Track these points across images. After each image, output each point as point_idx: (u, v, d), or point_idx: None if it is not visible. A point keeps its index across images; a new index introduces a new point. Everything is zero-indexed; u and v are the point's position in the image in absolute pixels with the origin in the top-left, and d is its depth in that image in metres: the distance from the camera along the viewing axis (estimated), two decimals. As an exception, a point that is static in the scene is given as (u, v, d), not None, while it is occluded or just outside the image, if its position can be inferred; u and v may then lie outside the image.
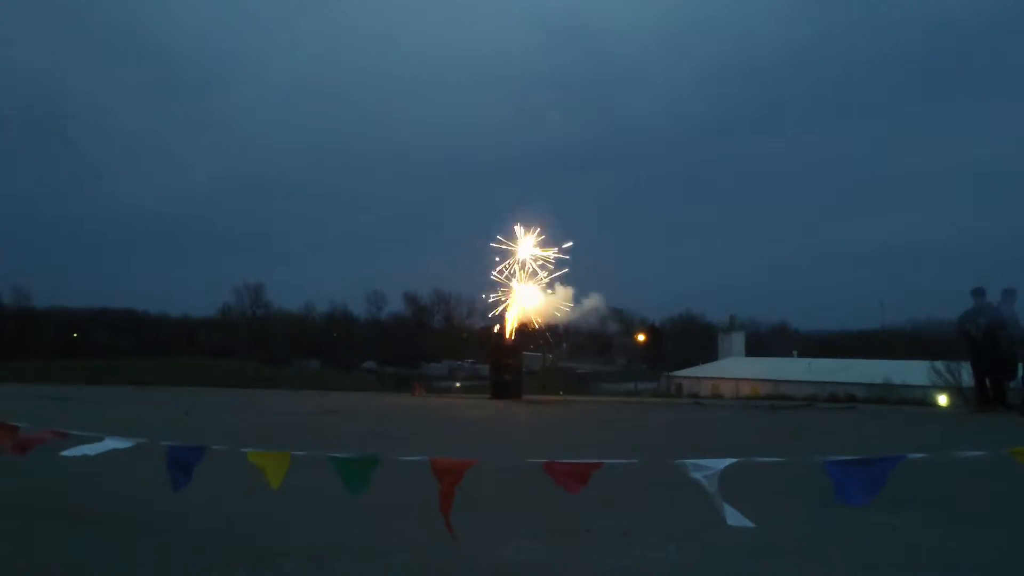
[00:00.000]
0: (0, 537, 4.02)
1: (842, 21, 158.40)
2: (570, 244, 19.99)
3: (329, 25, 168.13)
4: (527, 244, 19.83)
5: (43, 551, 3.76)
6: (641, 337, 70.47)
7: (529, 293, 20.09)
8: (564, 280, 20.03)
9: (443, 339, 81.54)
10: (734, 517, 2.44)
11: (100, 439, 3.47)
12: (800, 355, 59.70)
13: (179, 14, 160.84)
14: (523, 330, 20.27)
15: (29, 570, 3.45)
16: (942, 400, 19.75)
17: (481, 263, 20.27)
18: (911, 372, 32.42)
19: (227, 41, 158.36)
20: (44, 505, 4.22)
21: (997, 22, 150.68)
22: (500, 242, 19.93)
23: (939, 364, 20.02)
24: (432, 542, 3.80)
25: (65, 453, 3.32)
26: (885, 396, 24.91)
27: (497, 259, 20.00)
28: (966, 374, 14.80)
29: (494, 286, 20.09)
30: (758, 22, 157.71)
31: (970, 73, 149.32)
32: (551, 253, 19.84)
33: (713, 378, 51.67)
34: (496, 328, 20.24)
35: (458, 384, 42.29)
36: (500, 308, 20.09)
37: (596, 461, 2.65)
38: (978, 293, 13.26)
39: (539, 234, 19.85)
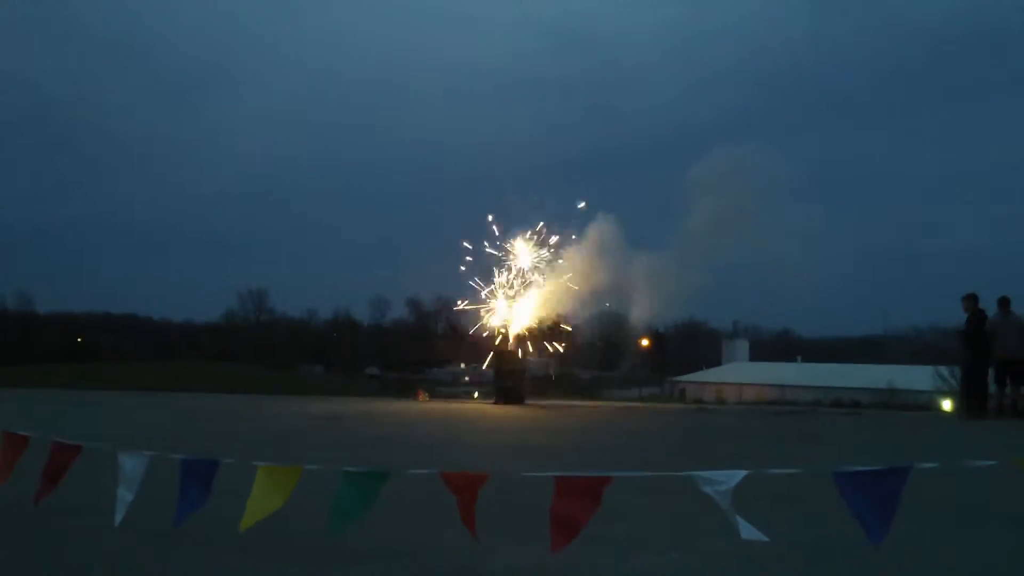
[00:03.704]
0: (0, 539, 4.05)
1: (843, 28, 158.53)
2: (583, 205, 19.82)
3: (332, 33, 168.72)
4: (524, 253, 19.82)
5: (40, 552, 3.78)
6: (645, 342, 70.36)
7: (529, 298, 20.10)
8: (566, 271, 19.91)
9: (446, 344, 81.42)
10: (748, 531, 2.43)
11: (110, 451, 3.49)
12: (804, 360, 59.65)
13: (182, 21, 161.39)
14: (527, 335, 20.28)
15: (28, 571, 3.47)
16: (946, 405, 19.72)
17: (481, 268, 20.33)
18: (915, 377, 32.36)
19: (230, 49, 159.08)
20: (42, 504, 4.24)
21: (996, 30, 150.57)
22: (498, 249, 19.94)
23: (943, 369, 20.05)
24: (435, 548, 3.82)
25: (117, 521, 3.29)
26: (889, 401, 24.84)
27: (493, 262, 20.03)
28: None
29: (492, 291, 20.12)
30: (760, 29, 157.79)
31: (975, 80, 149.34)
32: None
33: (717, 383, 51.60)
34: (499, 333, 20.26)
35: (471, 389, 42.22)
36: (498, 314, 20.11)
37: (605, 474, 2.66)
38: (970, 299, 13.44)
39: (534, 235, 19.79)
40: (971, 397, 13.27)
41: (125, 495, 3.23)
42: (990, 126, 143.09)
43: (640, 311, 21.40)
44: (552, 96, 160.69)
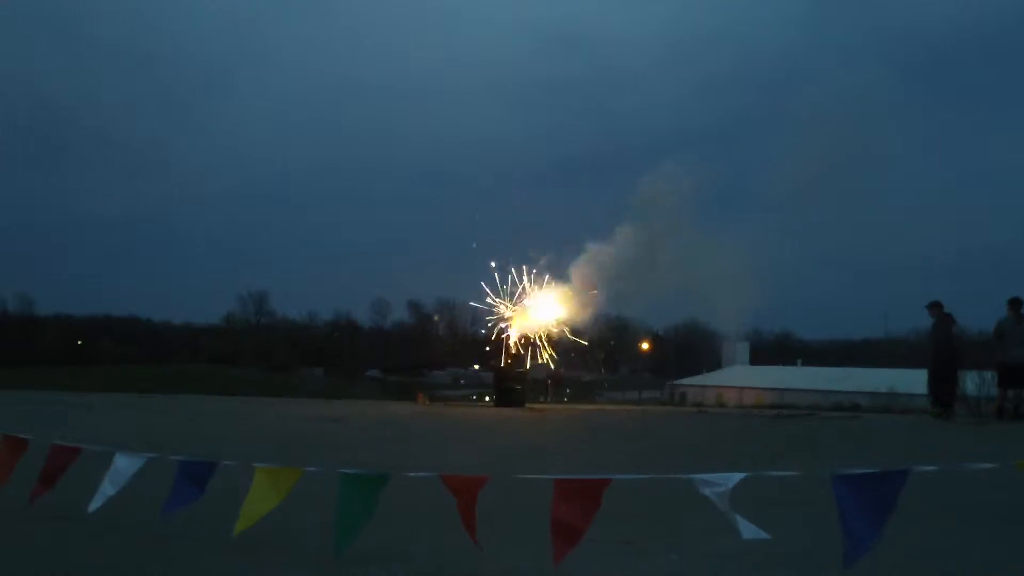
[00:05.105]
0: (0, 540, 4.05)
1: (843, 31, 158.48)
2: (595, 292, 19.95)
3: (330, 35, 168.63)
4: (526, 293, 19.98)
5: (39, 555, 3.78)
6: (645, 346, 70.26)
7: (532, 306, 20.17)
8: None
9: (447, 347, 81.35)
10: (748, 530, 2.42)
11: (109, 453, 3.49)
12: (804, 364, 59.54)
13: (181, 23, 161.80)
14: (527, 340, 20.32)
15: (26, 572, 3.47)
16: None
17: (484, 271, 20.41)
18: (915, 381, 32.41)
19: (229, 50, 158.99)
20: (37, 507, 4.24)
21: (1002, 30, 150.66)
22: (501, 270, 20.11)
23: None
24: (435, 550, 3.82)
25: (92, 508, 3.31)
26: (889, 405, 24.83)
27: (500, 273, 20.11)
28: (971, 383, 14.83)
29: (496, 300, 20.18)
30: (758, 32, 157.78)
31: (976, 82, 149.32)
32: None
33: (717, 386, 51.48)
34: (501, 337, 20.30)
35: (470, 392, 42.22)
36: (504, 320, 20.17)
37: (605, 477, 2.66)
38: (934, 307, 13.61)
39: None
40: (938, 399, 13.47)
41: (108, 488, 3.27)
42: (991, 129, 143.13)
43: (730, 312, 21.22)
44: (552, 97, 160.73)
